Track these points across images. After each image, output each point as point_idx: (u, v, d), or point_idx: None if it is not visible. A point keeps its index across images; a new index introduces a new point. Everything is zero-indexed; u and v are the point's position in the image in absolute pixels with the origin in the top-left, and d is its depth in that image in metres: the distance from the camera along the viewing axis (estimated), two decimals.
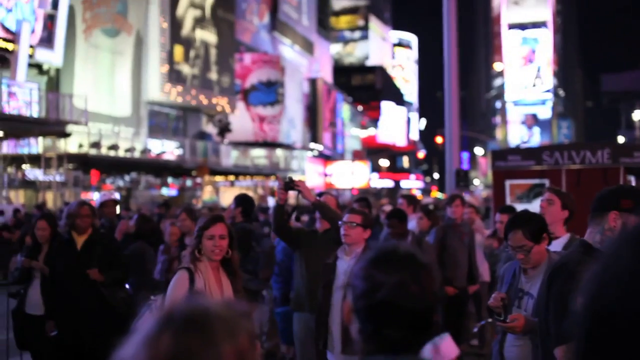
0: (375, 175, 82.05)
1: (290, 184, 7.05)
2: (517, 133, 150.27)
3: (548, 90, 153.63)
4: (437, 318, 2.02)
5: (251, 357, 1.50)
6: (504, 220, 8.28)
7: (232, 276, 5.40)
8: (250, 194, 41.58)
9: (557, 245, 5.48)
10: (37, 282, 8.21)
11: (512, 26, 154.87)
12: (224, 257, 5.36)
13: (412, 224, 10.23)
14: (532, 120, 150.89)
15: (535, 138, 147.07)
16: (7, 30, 32.24)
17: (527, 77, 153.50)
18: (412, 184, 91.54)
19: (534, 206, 11.62)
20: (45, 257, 8.15)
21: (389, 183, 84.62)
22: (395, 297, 1.94)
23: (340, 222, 6.51)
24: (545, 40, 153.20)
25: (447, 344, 2.59)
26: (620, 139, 43.85)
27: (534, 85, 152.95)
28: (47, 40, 35.31)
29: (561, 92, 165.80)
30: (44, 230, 8.32)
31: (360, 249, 6.24)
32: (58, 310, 7.69)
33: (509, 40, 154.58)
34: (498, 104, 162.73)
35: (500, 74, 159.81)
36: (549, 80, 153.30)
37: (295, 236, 7.29)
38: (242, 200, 8.63)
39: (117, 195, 11.56)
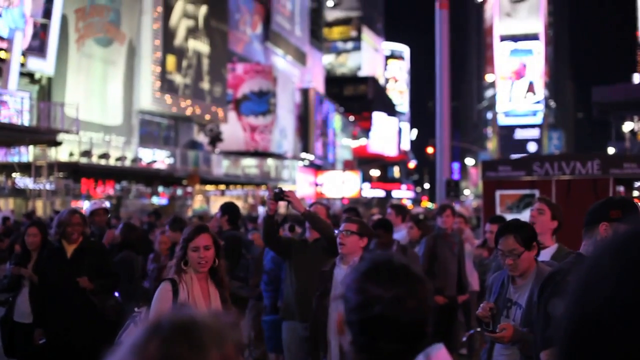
0: (367, 185, 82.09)
1: (280, 195, 7.04)
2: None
3: (539, 102, 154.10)
4: (430, 328, 2.03)
5: None
6: (493, 230, 8.31)
7: (219, 286, 5.35)
8: (241, 203, 41.40)
9: (545, 255, 5.51)
10: (25, 290, 8.19)
11: (504, 38, 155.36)
12: (212, 267, 5.31)
13: (402, 233, 10.25)
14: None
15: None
16: None
17: (518, 89, 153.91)
18: (403, 194, 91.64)
19: (524, 216, 11.65)
20: (34, 265, 8.14)
21: (380, 193, 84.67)
22: (392, 312, 1.92)
23: (336, 231, 6.51)
24: (537, 52, 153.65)
25: (441, 355, 2.60)
26: (610, 150, 43.98)
27: (524, 97, 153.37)
28: (39, 49, 35.26)
29: (552, 104, 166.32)
30: (35, 237, 8.30)
31: (358, 258, 6.20)
32: (47, 319, 7.67)
33: (501, 52, 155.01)
34: (489, 115, 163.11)
35: (492, 85, 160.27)
36: (540, 92, 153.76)
37: (285, 246, 7.28)
38: (227, 209, 8.64)
39: (107, 204, 11.54)
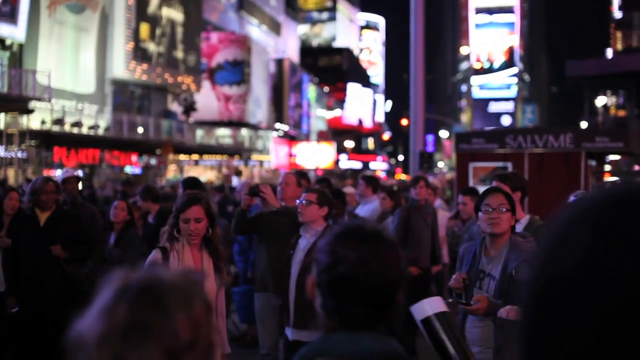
0: (344, 156, 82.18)
1: (255, 190, 7.08)
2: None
3: (513, 75, 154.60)
4: (400, 297, 2.03)
5: (206, 326, 1.51)
6: (466, 202, 8.38)
7: (213, 255, 5.33)
8: (215, 173, 41.39)
9: (518, 228, 5.54)
10: None
11: (479, 10, 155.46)
12: (205, 236, 5.30)
13: (374, 204, 10.27)
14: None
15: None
16: None
17: (493, 60, 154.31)
18: (379, 165, 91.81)
19: None
20: (6, 232, 8.10)
21: (357, 164, 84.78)
22: (354, 272, 1.94)
23: (297, 201, 6.54)
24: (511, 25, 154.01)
25: (432, 302, 2.64)
26: (583, 125, 44.27)
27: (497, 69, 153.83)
28: (10, 15, 34.81)
29: (526, 77, 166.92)
30: (16, 202, 8.27)
31: (321, 227, 6.24)
32: (20, 287, 7.64)
33: (476, 25, 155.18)
34: (464, 88, 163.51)
35: (467, 57, 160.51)
36: (515, 66, 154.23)
37: (254, 225, 7.27)
38: (189, 184, 8.57)
39: (79, 172, 11.47)
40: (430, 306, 3.29)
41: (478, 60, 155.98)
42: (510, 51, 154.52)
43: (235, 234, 7.64)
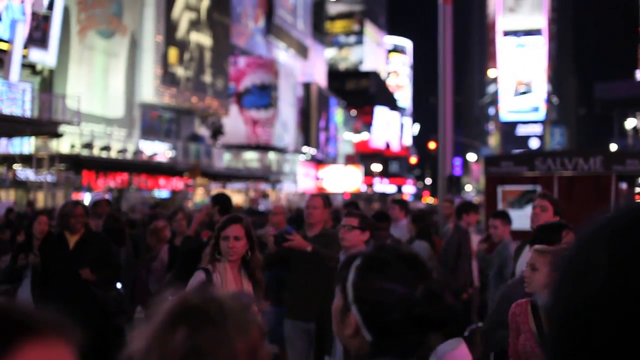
0: (377, 179, 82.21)
1: (280, 240, 6.93)
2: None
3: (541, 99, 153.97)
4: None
5: (262, 351, 1.49)
6: (497, 225, 8.30)
7: (252, 278, 5.35)
8: (242, 196, 41.38)
9: None
10: (27, 281, 8.18)
11: (507, 33, 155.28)
12: (245, 259, 5.33)
13: (405, 227, 10.25)
14: None
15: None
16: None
17: (520, 84, 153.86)
18: (407, 189, 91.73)
19: (526, 212, 11.65)
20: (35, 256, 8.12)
21: (391, 188, 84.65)
22: (429, 311, 1.84)
23: (338, 226, 6.45)
24: (540, 48, 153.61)
25: (463, 351, 2.55)
26: (613, 147, 43.97)
27: (525, 93, 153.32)
28: (41, 40, 35.21)
29: (555, 100, 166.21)
30: (45, 225, 8.31)
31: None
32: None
33: (504, 47, 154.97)
34: (492, 111, 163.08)
35: (494, 80, 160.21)
36: (543, 88, 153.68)
37: (285, 258, 7.20)
38: (219, 199, 8.59)
39: (108, 196, 11.53)
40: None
41: (507, 84, 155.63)
42: (539, 74, 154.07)
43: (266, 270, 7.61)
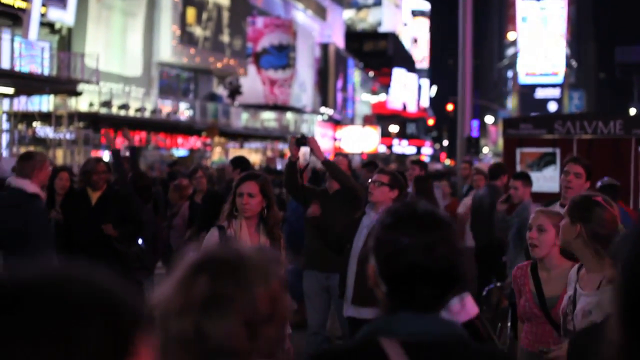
0: (396, 141, 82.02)
1: (302, 140, 7.06)
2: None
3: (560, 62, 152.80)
4: (462, 271, 2.03)
5: (282, 302, 1.55)
6: (517, 186, 8.31)
7: (270, 237, 5.39)
8: (259, 156, 41.46)
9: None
10: None
11: None
12: (262, 217, 5.38)
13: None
14: None
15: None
16: None
17: (539, 47, 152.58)
18: (425, 150, 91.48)
19: (544, 175, 11.66)
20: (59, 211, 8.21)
21: (411, 149, 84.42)
22: (423, 260, 1.93)
23: (369, 181, 6.49)
24: (559, 10, 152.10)
25: (470, 302, 2.63)
26: (632, 111, 43.67)
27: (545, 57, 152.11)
28: None
29: (574, 63, 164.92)
30: (66, 181, 8.39)
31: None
32: None
33: (523, 10, 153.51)
34: (510, 73, 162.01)
35: (513, 43, 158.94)
36: (562, 51, 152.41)
37: (307, 194, 7.29)
38: (238, 162, 8.62)
39: (127, 154, 11.61)
40: (471, 307, 3.22)
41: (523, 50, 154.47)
42: (558, 37, 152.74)
43: (287, 190, 7.66)
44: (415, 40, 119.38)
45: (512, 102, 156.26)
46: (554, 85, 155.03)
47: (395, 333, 1.91)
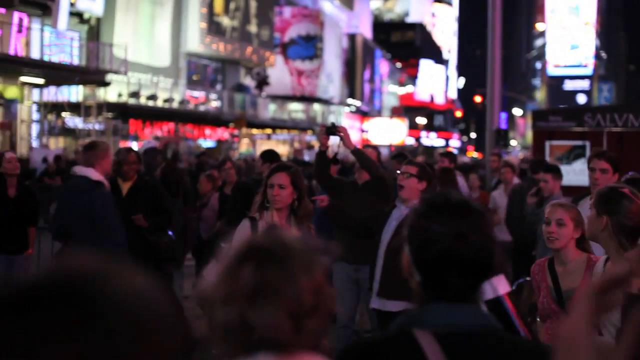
0: (424, 133, 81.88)
1: (332, 129, 7.05)
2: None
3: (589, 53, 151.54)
4: (495, 261, 2.03)
5: (326, 292, 1.54)
6: (548, 179, 8.24)
7: (300, 228, 5.35)
8: (287, 147, 41.51)
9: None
10: None
11: None
12: (293, 208, 5.38)
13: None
14: None
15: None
16: None
17: (569, 39, 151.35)
18: (452, 143, 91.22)
19: (574, 168, 11.59)
20: None
21: (439, 142, 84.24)
22: (455, 248, 1.94)
23: (397, 172, 6.50)
24: (589, 1, 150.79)
25: (499, 281, 2.62)
26: None
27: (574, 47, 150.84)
28: None
29: (603, 55, 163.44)
30: None
31: (417, 200, 6.15)
32: None
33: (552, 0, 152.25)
34: (538, 65, 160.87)
35: (542, 34, 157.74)
36: (592, 43, 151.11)
37: (336, 184, 7.28)
38: (268, 156, 8.64)
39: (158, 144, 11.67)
40: (501, 285, 3.24)
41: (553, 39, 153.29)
42: (587, 28, 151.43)
43: (316, 180, 7.66)
44: (442, 31, 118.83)
45: (540, 94, 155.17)
46: (583, 77, 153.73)
47: (429, 324, 1.92)
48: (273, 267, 1.50)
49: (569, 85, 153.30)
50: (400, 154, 11.68)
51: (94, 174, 6.97)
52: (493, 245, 2.01)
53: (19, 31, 29.21)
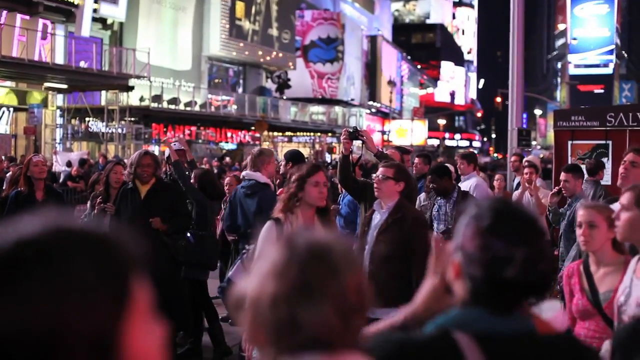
0: (446, 134, 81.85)
1: (355, 133, 7.08)
2: None
3: (610, 52, 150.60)
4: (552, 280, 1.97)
5: (367, 289, 1.57)
6: (568, 179, 8.22)
7: (325, 227, 5.28)
8: (308, 149, 41.54)
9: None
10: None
11: None
12: (319, 208, 5.33)
13: (474, 180, 10.21)
14: None
15: None
16: None
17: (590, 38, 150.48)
18: (475, 144, 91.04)
19: None
20: (114, 204, 8.30)
21: (463, 143, 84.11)
22: (522, 275, 1.86)
23: (373, 176, 6.39)
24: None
25: (561, 317, 2.55)
26: None
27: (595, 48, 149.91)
28: None
29: (624, 54, 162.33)
30: (121, 175, 8.42)
31: (393, 203, 6.04)
32: None
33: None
34: (559, 65, 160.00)
35: (562, 34, 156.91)
36: (612, 43, 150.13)
37: (360, 187, 7.27)
38: (293, 157, 8.65)
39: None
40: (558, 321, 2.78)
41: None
42: (608, 27, 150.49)
43: (341, 184, 7.66)
44: (463, 32, 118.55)
45: (561, 94, 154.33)
46: (604, 76, 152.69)
47: (470, 328, 1.89)
48: (318, 266, 1.50)
49: (590, 85, 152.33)
50: (425, 154, 11.70)
51: (261, 178, 7.58)
52: (554, 271, 2.00)
53: (43, 37, 29.49)
